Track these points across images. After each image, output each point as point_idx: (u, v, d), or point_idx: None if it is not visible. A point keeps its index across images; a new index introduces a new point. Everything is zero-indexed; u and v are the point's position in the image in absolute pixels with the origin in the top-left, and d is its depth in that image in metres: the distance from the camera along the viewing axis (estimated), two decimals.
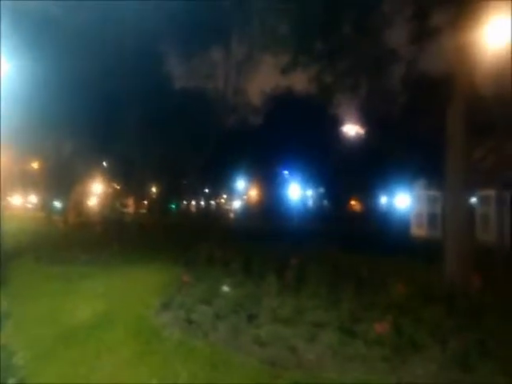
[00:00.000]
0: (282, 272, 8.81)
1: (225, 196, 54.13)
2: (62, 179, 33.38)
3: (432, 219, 25.96)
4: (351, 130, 35.78)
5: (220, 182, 44.76)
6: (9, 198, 39.50)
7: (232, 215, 49.65)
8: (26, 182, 40.05)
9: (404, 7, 11.84)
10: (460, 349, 5.18)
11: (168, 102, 31.07)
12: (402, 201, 37.80)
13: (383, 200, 47.39)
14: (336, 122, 36.51)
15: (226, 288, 7.66)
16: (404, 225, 29.90)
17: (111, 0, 19.96)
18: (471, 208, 16.91)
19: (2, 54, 8.27)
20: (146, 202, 42.17)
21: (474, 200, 20.57)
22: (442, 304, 6.88)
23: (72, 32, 22.39)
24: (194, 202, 51.73)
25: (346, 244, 14.84)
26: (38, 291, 8.43)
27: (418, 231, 27.59)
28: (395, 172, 31.44)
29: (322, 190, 47.86)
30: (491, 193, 20.02)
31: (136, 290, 8.67)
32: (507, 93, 10.47)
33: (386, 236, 22.68)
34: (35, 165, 37.79)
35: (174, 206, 48.30)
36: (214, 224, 31.68)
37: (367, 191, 43.13)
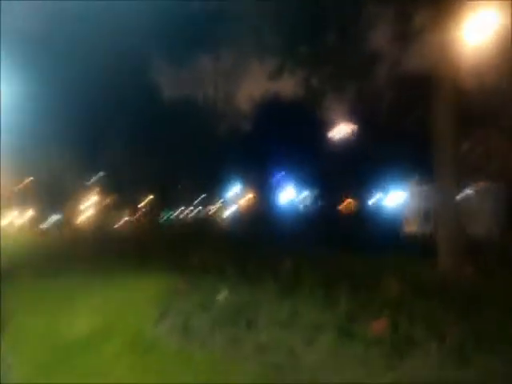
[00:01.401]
0: (277, 276, 8.83)
1: (219, 202, 54.12)
2: (55, 194, 33.49)
3: (425, 214, 26.06)
4: (342, 130, 36.07)
5: (213, 189, 44.75)
6: (6, 215, 39.90)
7: (227, 221, 49.57)
8: (23, 199, 40.41)
9: (387, 10, 11.97)
10: (456, 342, 5.21)
11: (158, 112, 31.14)
12: (396, 198, 37.93)
13: (378, 198, 47.52)
14: (326, 124, 36.70)
15: (222, 294, 7.65)
16: (398, 221, 29.97)
17: (99, 11, 19.92)
18: (464, 201, 17.05)
19: None
20: (139, 212, 42.11)
21: (470, 193, 20.68)
22: (437, 297, 6.93)
23: (60, 48, 22.36)
24: (188, 210, 51.65)
25: (340, 244, 14.88)
26: (33, 305, 8.38)
27: (411, 227, 27.64)
28: (388, 169, 31.58)
29: (316, 191, 47.91)
30: (485, 185, 20.18)
31: (132, 300, 8.62)
32: (490, 86, 10.65)
33: (380, 234, 22.72)
34: (30, 182, 38.23)
35: (167, 215, 48.21)
36: (209, 231, 31.65)
37: (361, 190, 43.23)
